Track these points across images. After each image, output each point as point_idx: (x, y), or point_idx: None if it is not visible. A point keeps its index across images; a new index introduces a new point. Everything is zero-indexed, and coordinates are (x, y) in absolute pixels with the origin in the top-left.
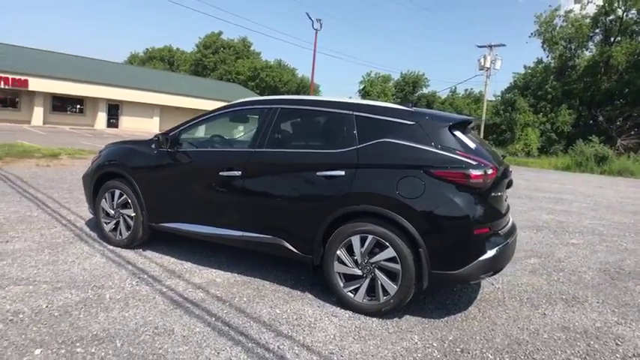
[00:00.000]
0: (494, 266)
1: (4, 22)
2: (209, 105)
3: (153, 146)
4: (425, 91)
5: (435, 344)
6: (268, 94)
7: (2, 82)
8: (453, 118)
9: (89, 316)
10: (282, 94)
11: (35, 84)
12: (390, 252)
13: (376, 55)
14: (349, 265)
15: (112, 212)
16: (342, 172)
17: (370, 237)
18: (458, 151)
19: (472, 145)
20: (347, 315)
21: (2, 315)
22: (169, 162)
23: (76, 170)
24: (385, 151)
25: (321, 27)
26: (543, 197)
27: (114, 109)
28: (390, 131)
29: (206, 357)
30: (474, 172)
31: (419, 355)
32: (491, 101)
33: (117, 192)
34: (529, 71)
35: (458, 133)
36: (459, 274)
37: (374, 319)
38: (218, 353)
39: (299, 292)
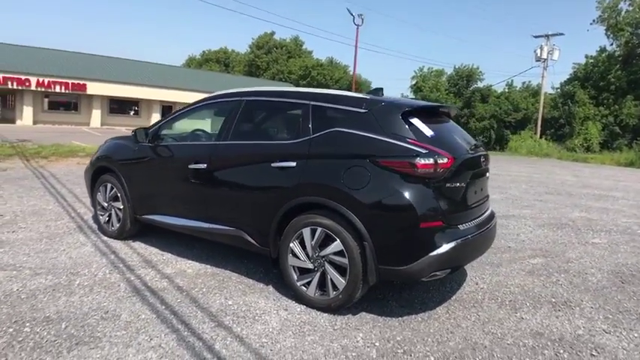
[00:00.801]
0: (451, 263)
1: (66, 30)
2: None
3: (134, 141)
4: (479, 84)
5: (377, 344)
6: None
7: (63, 87)
8: (409, 104)
9: (51, 300)
10: None
11: (93, 88)
12: (337, 245)
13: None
14: (302, 258)
15: (106, 205)
16: (294, 163)
17: (319, 229)
18: (409, 139)
19: (428, 133)
20: (299, 309)
21: None
22: (147, 156)
23: None
24: (335, 141)
25: (362, 22)
26: (586, 194)
27: (167, 111)
28: (343, 120)
29: (138, 342)
30: (421, 162)
31: (353, 354)
32: (550, 94)
33: (109, 185)
34: (591, 61)
35: (415, 121)
36: (408, 271)
37: (325, 314)
38: (150, 340)
39: (262, 285)
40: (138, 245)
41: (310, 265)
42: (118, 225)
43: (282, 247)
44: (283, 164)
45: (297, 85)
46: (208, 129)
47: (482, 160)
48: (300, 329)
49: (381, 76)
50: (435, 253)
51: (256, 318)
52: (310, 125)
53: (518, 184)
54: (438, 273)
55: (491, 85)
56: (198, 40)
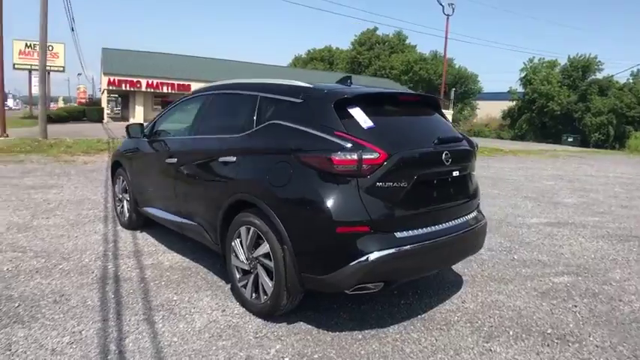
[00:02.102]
0: (382, 275)
1: (171, 34)
2: None
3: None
4: (598, 75)
5: (286, 358)
6: (422, 88)
7: (169, 88)
8: (349, 92)
9: (26, 281)
10: (437, 86)
11: (197, 88)
12: (265, 247)
13: (538, 41)
14: (240, 258)
15: (120, 196)
16: (234, 159)
17: (252, 229)
18: (336, 132)
19: (366, 125)
20: (237, 312)
21: None
22: (141, 150)
23: None
24: (269, 135)
25: (453, 12)
26: None
27: None
28: (281, 112)
29: (64, 327)
30: (338, 157)
31: None
32: None
33: (120, 178)
34: None
35: (354, 111)
36: (328, 280)
37: (260, 320)
38: (77, 325)
39: (222, 283)
40: (141, 236)
41: (247, 267)
42: (127, 215)
43: (227, 245)
44: (226, 159)
45: (399, 82)
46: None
47: (446, 157)
48: (220, 333)
49: (490, 68)
50: (356, 262)
51: (186, 316)
52: (255, 118)
53: (610, 187)
54: (369, 286)
55: (611, 76)
56: (305, 40)
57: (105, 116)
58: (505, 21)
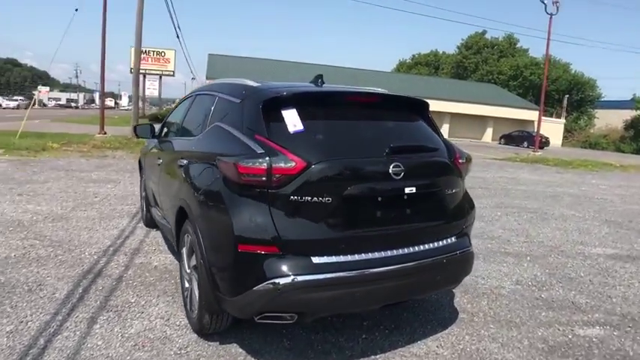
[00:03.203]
0: (293, 305)
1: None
2: (468, 109)
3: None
4: None
5: None
6: (532, 94)
7: None
8: (286, 91)
9: (21, 268)
10: (549, 93)
11: None
12: (194, 259)
13: None
14: (185, 267)
15: (142, 194)
16: (185, 162)
17: (189, 238)
18: (256, 135)
19: (294, 128)
20: (179, 323)
21: None
22: (148, 150)
23: None
24: (210, 138)
25: (557, 11)
26: None
27: None
28: (224, 113)
29: (17, 316)
30: (244, 164)
31: None
32: None
33: (141, 176)
34: None
35: (287, 112)
36: (235, 304)
37: (193, 335)
38: (28, 316)
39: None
40: (153, 234)
41: (188, 277)
42: (144, 213)
43: (179, 252)
44: (180, 162)
45: (507, 87)
46: None
47: (395, 170)
48: (146, 343)
49: (611, 74)
50: (261, 287)
51: (127, 320)
52: (209, 120)
53: None
54: (284, 315)
55: None
56: (411, 44)
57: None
58: (630, 21)
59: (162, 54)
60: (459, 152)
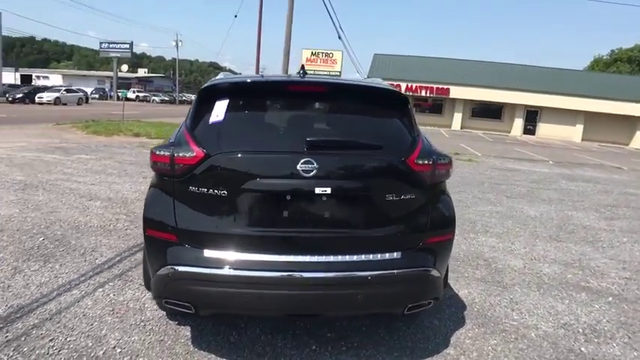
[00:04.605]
0: (184, 296)
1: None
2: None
3: None
4: None
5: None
6: None
7: (428, 91)
8: (223, 81)
9: (92, 237)
10: None
11: (455, 92)
12: None
13: None
14: None
15: None
16: None
17: None
18: (184, 125)
19: (213, 119)
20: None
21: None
22: None
23: None
24: None
25: None
26: None
27: (532, 116)
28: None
29: (57, 271)
30: (157, 153)
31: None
32: None
33: None
34: None
35: (218, 103)
36: (152, 284)
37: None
38: (65, 273)
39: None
40: None
41: None
42: None
43: None
44: None
45: None
46: None
47: (305, 168)
48: (121, 310)
49: None
50: (160, 272)
51: (125, 290)
52: None
53: None
54: (183, 303)
55: None
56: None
57: None
58: None
59: (330, 55)
60: (422, 153)
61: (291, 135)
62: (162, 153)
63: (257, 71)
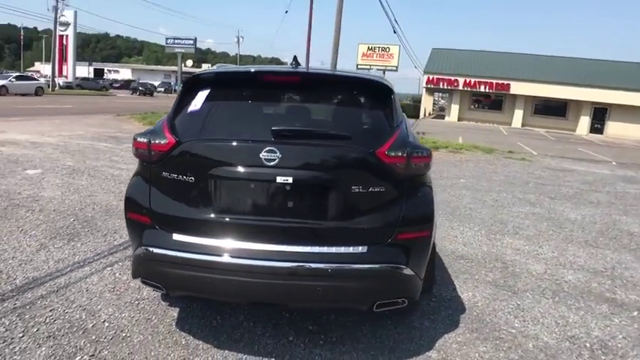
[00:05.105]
0: (154, 276)
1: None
2: None
3: None
4: None
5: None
6: None
7: (487, 87)
8: (207, 71)
9: (117, 220)
10: None
11: (517, 87)
12: None
13: None
14: None
15: None
16: None
17: None
18: (167, 115)
19: (191, 108)
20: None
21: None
22: None
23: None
24: None
25: None
26: None
27: (600, 114)
28: None
29: (77, 249)
30: (138, 139)
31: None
32: None
33: None
34: None
35: (200, 93)
36: (131, 262)
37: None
38: (84, 251)
39: None
40: None
41: None
42: None
43: None
44: None
45: None
46: None
47: (268, 157)
48: (121, 288)
49: None
50: (136, 252)
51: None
52: None
53: None
54: (154, 284)
55: None
56: None
57: (422, 114)
58: None
59: (387, 49)
60: (395, 144)
61: (260, 124)
62: (141, 140)
63: (307, 64)
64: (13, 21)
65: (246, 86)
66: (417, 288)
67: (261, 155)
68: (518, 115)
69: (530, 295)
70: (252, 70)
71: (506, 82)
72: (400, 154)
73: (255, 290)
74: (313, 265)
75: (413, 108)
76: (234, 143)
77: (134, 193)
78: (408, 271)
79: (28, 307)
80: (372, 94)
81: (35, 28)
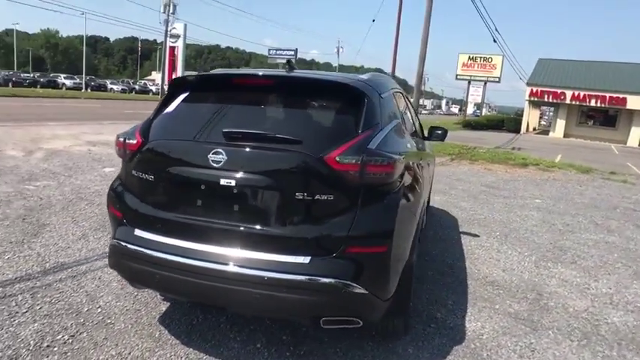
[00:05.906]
0: (121, 269)
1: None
2: None
3: None
4: None
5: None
6: None
7: (599, 101)
8: (192, 75)
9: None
10: None
11: (634, 102)
12: None
13: None
14: None
15: None
16: None
17: None
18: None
19: (167, 110)
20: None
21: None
22: None
23: (517, 177)
24: None
25: None
26: None
27: None
28: None
29: (87, 235)
30: (118, 139)
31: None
32: None
33: None
34: None
35: (181, 95)
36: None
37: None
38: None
39: None
40: None
41: None
42: None
43: None
44: None
45: None
46: None
47: (215, 158)
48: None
49: None
50: (110, 244)
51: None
52: None
53: None
54: (124, 277)
55: None
56: None
57: (523, 128)
58: None
59: (489, 60)
60: (349, 150)
61: (217, 126)
62: (120, 139)
63: (393, 73)
64: (135, 34)
65: (221, 89)
66: (373, 308)
67: (208, 156)
68: (636, 133)
69: (551, 335)
70: (228, 73)
71: (622, 95)
72: (354, 161)
73: (196, 291)
74: (249, 272)
75: (514, 122)
76: (187, 144)
77: (113, 189)
78: (358, 290)
79: (44, 287)
80: (337, 97)
81: (155, 40)
